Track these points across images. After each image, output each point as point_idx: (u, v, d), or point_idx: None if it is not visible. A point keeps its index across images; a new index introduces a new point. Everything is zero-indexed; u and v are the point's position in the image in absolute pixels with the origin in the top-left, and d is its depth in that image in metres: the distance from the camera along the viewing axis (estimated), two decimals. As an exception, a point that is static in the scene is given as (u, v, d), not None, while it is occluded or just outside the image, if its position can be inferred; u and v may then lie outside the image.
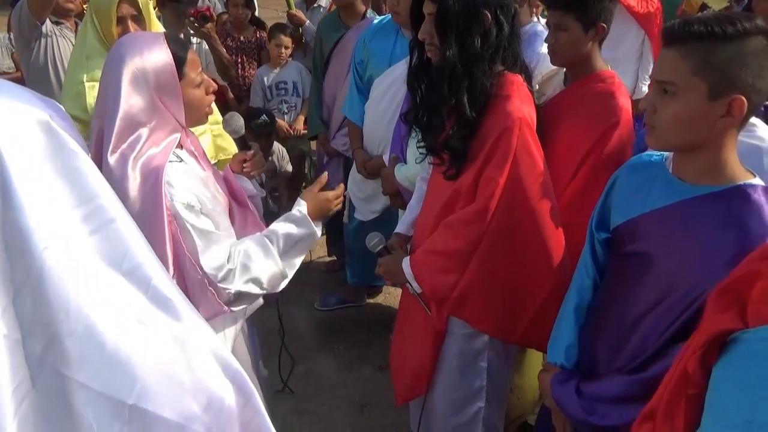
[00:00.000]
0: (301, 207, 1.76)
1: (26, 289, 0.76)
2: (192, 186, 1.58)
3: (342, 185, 1.90)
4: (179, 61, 1.57)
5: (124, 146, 1.48)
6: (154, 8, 4.21)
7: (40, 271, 0.75)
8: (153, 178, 1.48)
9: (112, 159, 1.46)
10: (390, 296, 3.55)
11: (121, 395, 0.80)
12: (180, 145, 1.64)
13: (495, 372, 1.86)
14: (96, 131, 1.53)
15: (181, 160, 1.61)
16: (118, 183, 1.44)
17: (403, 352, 2.00)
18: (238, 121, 1.96)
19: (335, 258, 3.83)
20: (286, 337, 2.64)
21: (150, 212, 1.47)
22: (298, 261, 1.77)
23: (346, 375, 3.01)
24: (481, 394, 1.86)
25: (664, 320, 1.29)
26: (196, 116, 1.68)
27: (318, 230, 1.78)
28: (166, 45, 1.56)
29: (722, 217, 1.24)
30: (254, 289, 1.64)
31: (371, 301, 3.60)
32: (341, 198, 1.88)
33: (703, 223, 1.27)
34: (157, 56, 1.53)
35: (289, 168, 3.85)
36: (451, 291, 1.72)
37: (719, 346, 0.94)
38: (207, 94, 1.69)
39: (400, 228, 2.07)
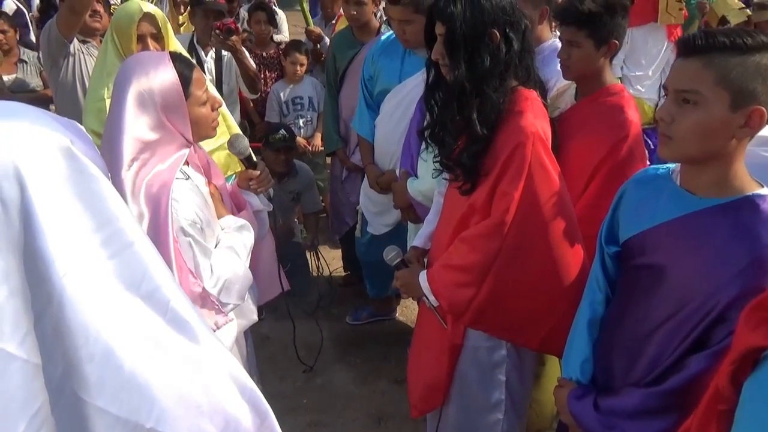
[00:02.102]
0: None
1: (47, 316, 0.76)
2: (196, 203, 1.61)
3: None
4: (185, 81, 1.60)
5: (136, 163, 1.52)
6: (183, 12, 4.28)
7: (60, 298, 0.76)
8: (160, 195, 1.51)
9: (127, 176, 1.49)
10: (407, 309, 3.55)
11: (139, 419, 0.81)
12: (186, 162, 1.67)
13: (514, 385, 1.86)
14: (103, 148, 1.56)
15: (188, 177, 1.64)
16: (128, 199, 1.48)
17: (419, 364, 2.00)
18: (243, 142, 2.00)
19: (350, 272, 3.84)
20: (301, 350, 2.67)
21: (156, 228, 1.49)
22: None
23: (362, 388, 3.01)
24: (501, 407, 1.85)
25: (679, 332, 1.30)
26: (203, 132, 1.72)
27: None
28: (172, 65, 1.58)
29: (732, 228, 1.25)
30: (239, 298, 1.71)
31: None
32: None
33: (713, 235, 1.27)
34: (164, 76, 1.56)
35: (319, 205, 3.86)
36: (468, 305, 1.72)
37: (751, 362, 0.94)
38: (213, 110, 1.72)
39: (417, 241, 2.08)
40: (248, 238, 1.81)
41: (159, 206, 1.50)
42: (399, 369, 2.94)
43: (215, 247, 1.70)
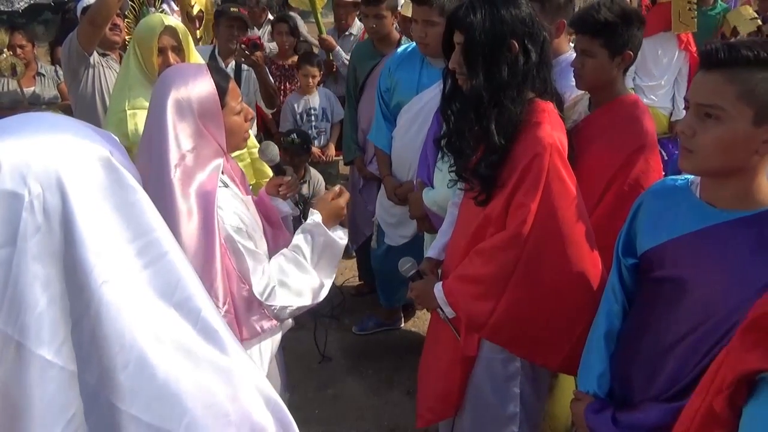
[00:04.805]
0: (315, 216, 1.85)
1: (84, 323, 0.78)
2: (239, 209, 1.67)
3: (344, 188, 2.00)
4: (221, 91, 1.66)
5: (179, 169, 1.56)
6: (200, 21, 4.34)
7: (98, 305, 0.77)
8: (206, 203, 1.56)
9: (174, 178, 1.54)
10: (420, 321, 3.55)
11: (170, 427, 0.81)
12: (222, 171, 1.70)
13: (528, 398, 1.85)
14: (143, 155, 1.60)
15: (227, 186, 1.69)
16: (175, 204, 1.52)
17: (429, 375, 2.00)
18: (274, 149, 2.06)
19: (364, 282, 3.85)
20: (312, 356, 2.65)
21: (204, 236, 1.54)
22: (332, 269, 1.86)
23: (375, 399, 3.00)
24: (515, 419, 1.84)
25: (701, 347, 1.28)
26: (235, 142, 1.77)
27: (337, 235, 1.87)
28: (210, 76, 1.65)
29: (755, 242, 1.24)
30: (298, 302, 1.73)
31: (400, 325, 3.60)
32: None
33: (735, 249, 1.26)
34: (202, 86, 1.62)
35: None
36: (488, 318, 1.71)
37: (748, 385, 0.92)
38: (246, 121, 1.78)
39: (432, 252, 2.08)
40: (312, 280, 1.80)
41: (206, 214, 1.55)
42: (411, 380, 2.92)
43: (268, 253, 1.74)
